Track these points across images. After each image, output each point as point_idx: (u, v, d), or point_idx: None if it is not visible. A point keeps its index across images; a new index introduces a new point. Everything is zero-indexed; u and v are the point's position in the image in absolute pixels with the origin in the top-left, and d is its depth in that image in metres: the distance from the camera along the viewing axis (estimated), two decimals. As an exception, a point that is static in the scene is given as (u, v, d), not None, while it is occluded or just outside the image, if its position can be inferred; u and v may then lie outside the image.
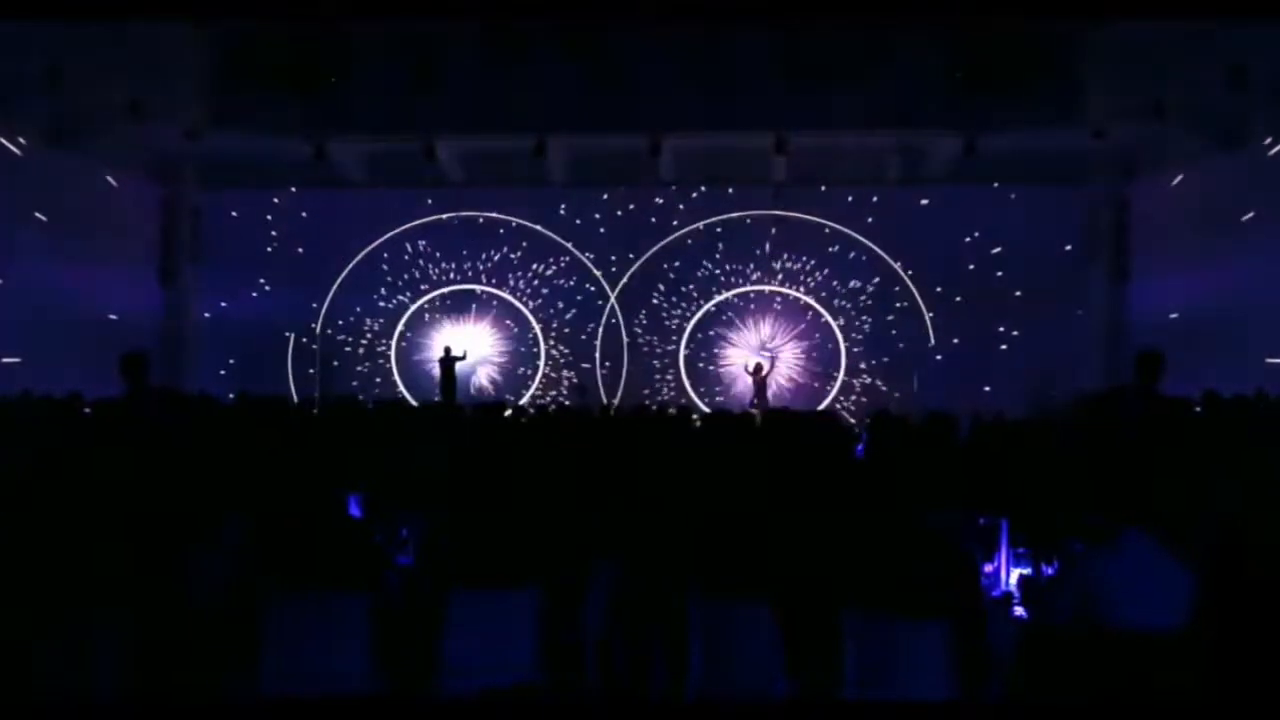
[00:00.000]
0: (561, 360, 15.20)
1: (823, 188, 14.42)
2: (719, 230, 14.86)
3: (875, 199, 14.42)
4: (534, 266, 15.09)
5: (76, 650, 3.06)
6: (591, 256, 14.98)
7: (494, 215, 14.87)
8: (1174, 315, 11.75)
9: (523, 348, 15.24)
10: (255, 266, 14.52)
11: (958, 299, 14.15)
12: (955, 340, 14.20)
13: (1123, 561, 2.98)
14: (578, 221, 14.88)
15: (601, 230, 14.88)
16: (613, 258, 15.00)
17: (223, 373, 13.90)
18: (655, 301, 15.05)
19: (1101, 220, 13.89)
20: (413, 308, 15.27)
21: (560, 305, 15.14)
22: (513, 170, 14.22)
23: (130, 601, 3.27)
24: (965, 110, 12.28)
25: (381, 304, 15.30)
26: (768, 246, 14.80)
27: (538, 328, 15.10)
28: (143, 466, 4.02)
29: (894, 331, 14.61)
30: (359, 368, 15.22)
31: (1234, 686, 3.16)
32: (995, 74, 12.12)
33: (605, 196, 14.74)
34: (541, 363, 15.16)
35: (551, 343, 15.17)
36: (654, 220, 14.85)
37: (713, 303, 14.99)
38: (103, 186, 12.75)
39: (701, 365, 15.06)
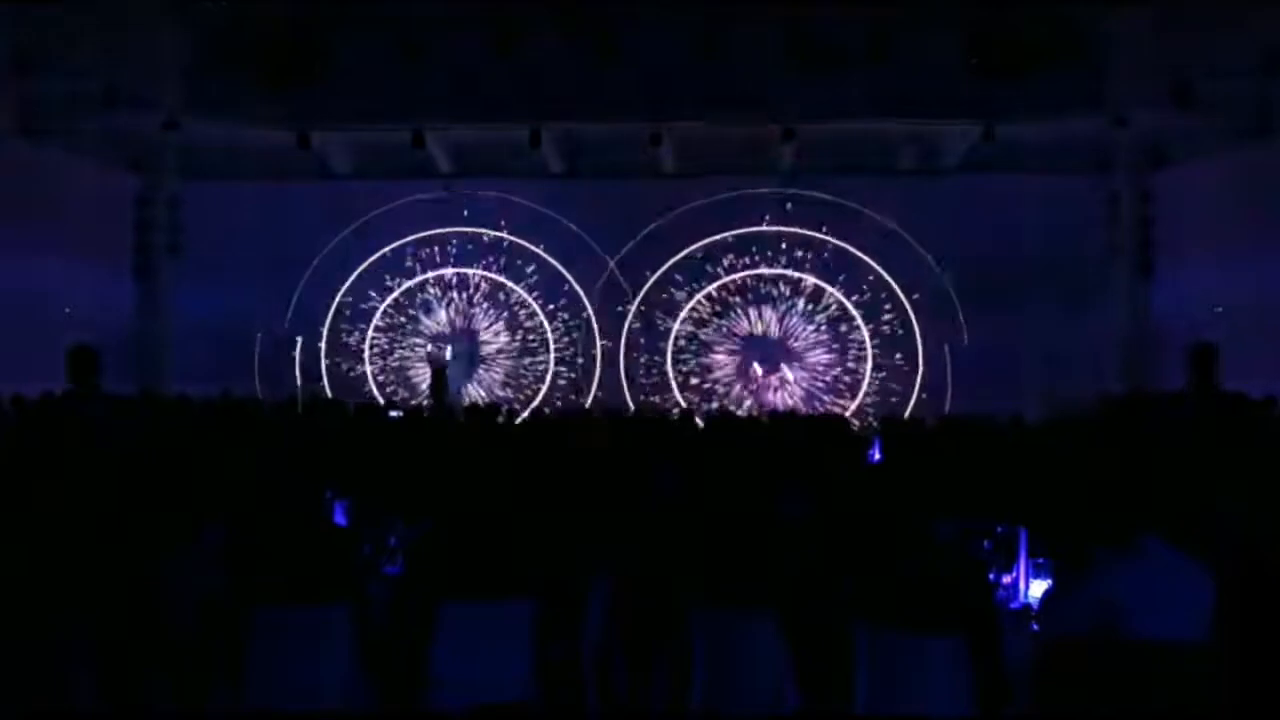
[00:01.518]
0: (556, 360, 15.21)
1: (833, 178, 14.42)
2: (726, 225, 14.85)
3: (887, 190, 14.40)
4: (528, 262, 15.10)
5: (48, 670, 3.07)
6: (588, 247, 14.98)
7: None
8: (1219, 309, 11.72)
9: (518, 351, 15.24)
10: (235, 261, 14.51)
11: (972, 295, 14.13)
12: (970, 338, 14.18)
13: (1141, 569, 2.98)
14: (571, 213, 14.88)
15: (598, 222, 14.87)
16: (606, 249, 15.00)
17: (199, 372, 13.90)
18: (657, 299, 15.04)
19: (1124, 212, 13.88)
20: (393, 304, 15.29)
21: (555, 303, 15.14)
22: (506, 161, 14.21)
23: (104, 616, 3.28)
24: (982, 96, 12.28)
25: (368, 302, 15.30)
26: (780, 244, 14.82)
27: (546, 320, 15.11)
28: (116, 473, 4.02)
29: (905, 331, 14.60)
30: (348, 367, 15.22)
31: (1259, 701, 3.16)
32: (1013, 58, 12.12)
33: (602, 188, 14.73)
34: (539, 363, 15.18)
35: (544, 341, 15.17)
36: (655, 213, 14.84)
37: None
38: (74, 177, 12.75)
39: (709, 367, 15.06)
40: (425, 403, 14.07)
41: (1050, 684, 3.12)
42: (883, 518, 3.22)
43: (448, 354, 14.46)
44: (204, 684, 3.46)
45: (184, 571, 3.62)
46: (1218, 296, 11.81)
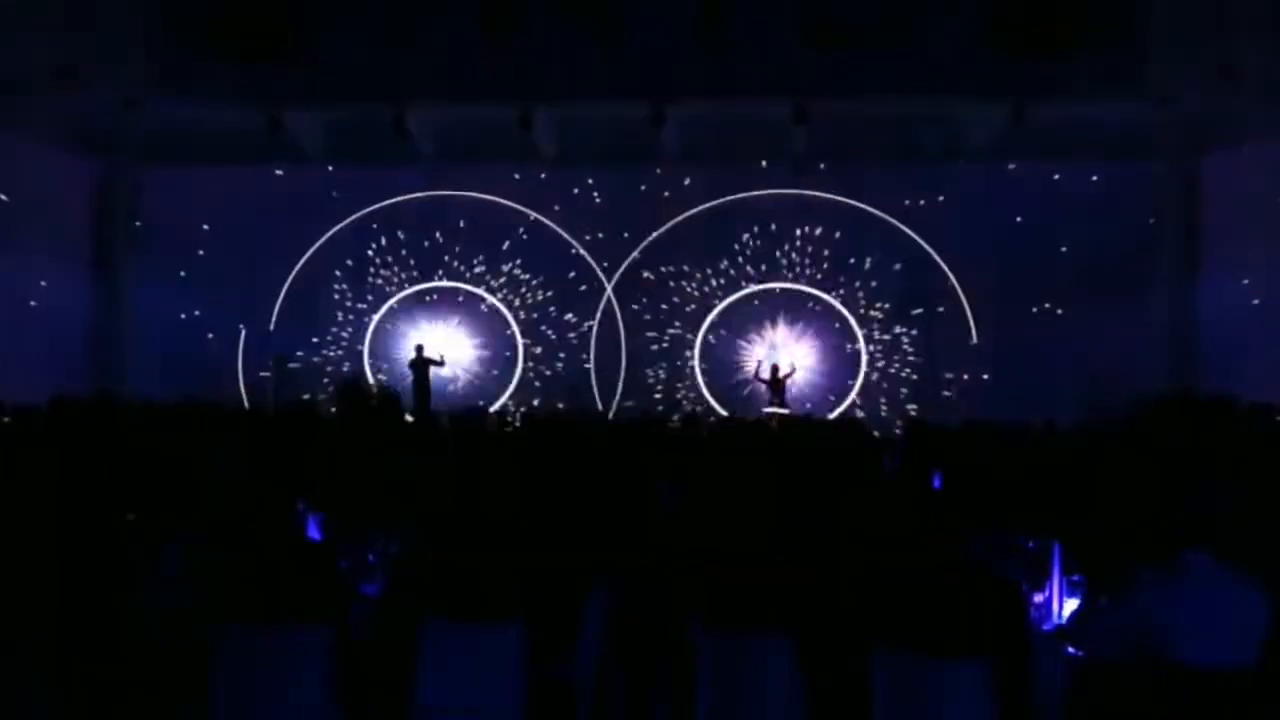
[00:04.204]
0: (550, 361, 15.23)
1: (849, 164, 14.42)
2: (732, 213, 14.88)
3: (908, 177, 14.41)
4: (519, 254, 15.11)
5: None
6: (585, 241, 15.00)
7: (475, 195, 14.86)
8: (1256, 301, 11.74)
9: (507, 351, 15.26)
10: (201, 253, 14.53)
11: (1002, 290, 14.13)
12: (999, 338, 14.18)
13: (1186, 589, 2.98)
14: (565, 202, 14.89)
15: (596, 213, 14.87)
16: (606, 243, 15.01)
17: (162, 372, 13.92)
18: (659, 295, 15.06)
19: (1168, 200, 13.88)
20: (381, 312, 15.30)
21: (549, 298, 15.15)
22: (495, 145, 14.21)
23: (55, 640, 3.27)
24: (1012, 73, 12.26)
25: (344, 297, 15.32)
26: (791, 235, 14.83)
27: (515, 326, 15.14)
28: (65, 485, 4.02)
29: (928, 328, 14.62)
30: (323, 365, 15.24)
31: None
32: (1046, 31, 12.11)
33: (599, 174, 14.73)
34: (520, 364, 15.18)
35: (532, 340, 15.19)
36: (655, 202, 14.85)
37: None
38: (26, 162, 12.75)
39: (711, 367, 15.08)
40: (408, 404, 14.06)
41: (1086, 713, 3.12)
42: (903, 532, 3.22)
43: (432, 354, 14.47)
44: (166, 713, 3.45)
45: (143, 589, 3.62)
46: (1269, 291, 11.82)
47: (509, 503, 3.71)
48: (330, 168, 14.75)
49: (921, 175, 14.40)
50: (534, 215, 14.79)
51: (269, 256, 14.84)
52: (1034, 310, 13.94)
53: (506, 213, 14.97)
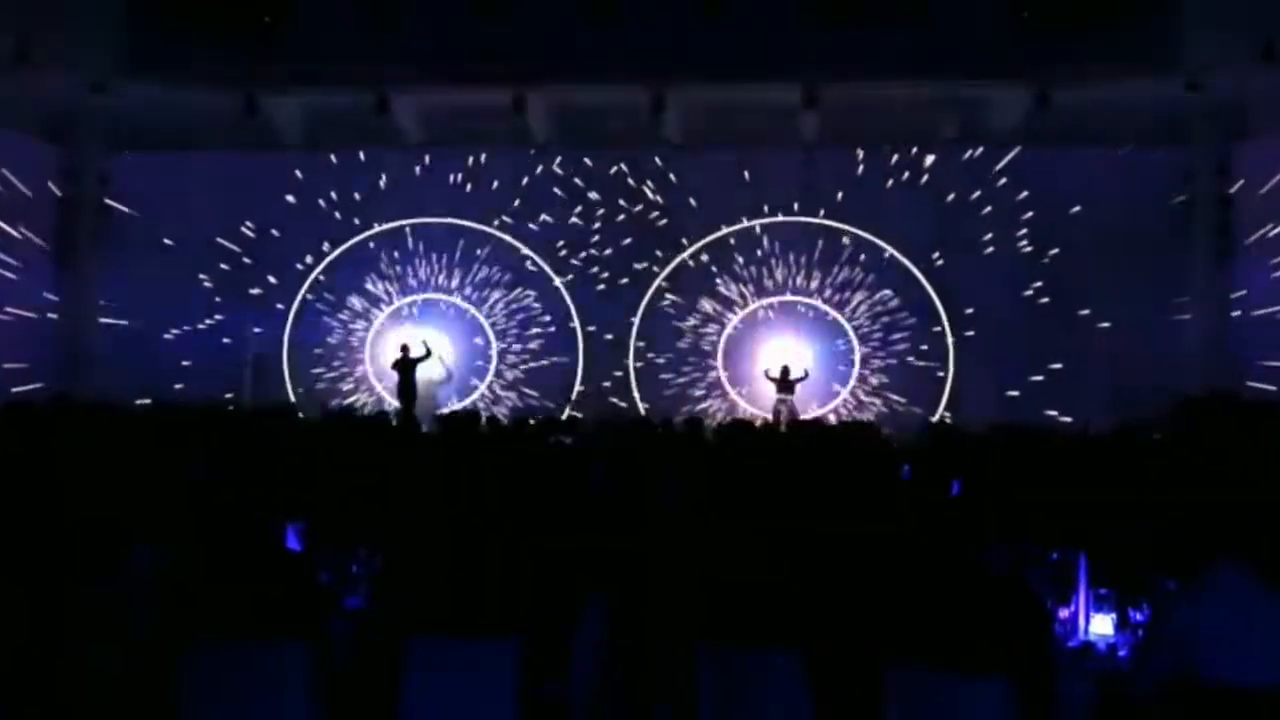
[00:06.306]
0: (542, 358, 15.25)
1: (861, 152, 14.42)
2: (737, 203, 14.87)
3: (926, 163, 14.40)
4: (511, 243, 15.13)
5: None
6: (582, 232, 14.99)
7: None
8: None
9: (492, 348, 15.28)
10: (172, 244, 14.52)
11: (1027, 282, 14.13)
12: (1023, 335, 14.17)
13: (1220, 603, 2.98)
14: (562, 189, 14.89)
15: (594, 201, 14.87)
16: (604, 235, 15.01)
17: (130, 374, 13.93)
18: (660, 291, 15.07)
19: (1200, 188, 13.88)
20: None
21: (543, 292, 15.16)
22: (485, 130, 14.19)
23: (11, 658, 3.26)
24: (1035, 55, 12.26)
25: (329, 291, 15.34)
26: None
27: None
28: (22, 485, 4.02)
29: (947, 325, 14.62)
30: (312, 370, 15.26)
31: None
32: (1072, 11, 12.10)
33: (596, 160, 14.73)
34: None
35: (517, 337, 15.22)
36: (656, 192, 14.85)
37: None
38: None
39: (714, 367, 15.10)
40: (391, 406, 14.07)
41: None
42: (920, 540, 3.22)
43: (419, 348, 14.45)
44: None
45: (108, 603, 3.62)
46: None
47: (500, 510, 3.71)
48: (308, 154, 14.75)
49: (939, 163, 14.39)
50: (528, 200, 14.79)
51: (243, 248, 14.83)
52: (1058, 305, 13.92)
53: (497, 202, 14.96)
